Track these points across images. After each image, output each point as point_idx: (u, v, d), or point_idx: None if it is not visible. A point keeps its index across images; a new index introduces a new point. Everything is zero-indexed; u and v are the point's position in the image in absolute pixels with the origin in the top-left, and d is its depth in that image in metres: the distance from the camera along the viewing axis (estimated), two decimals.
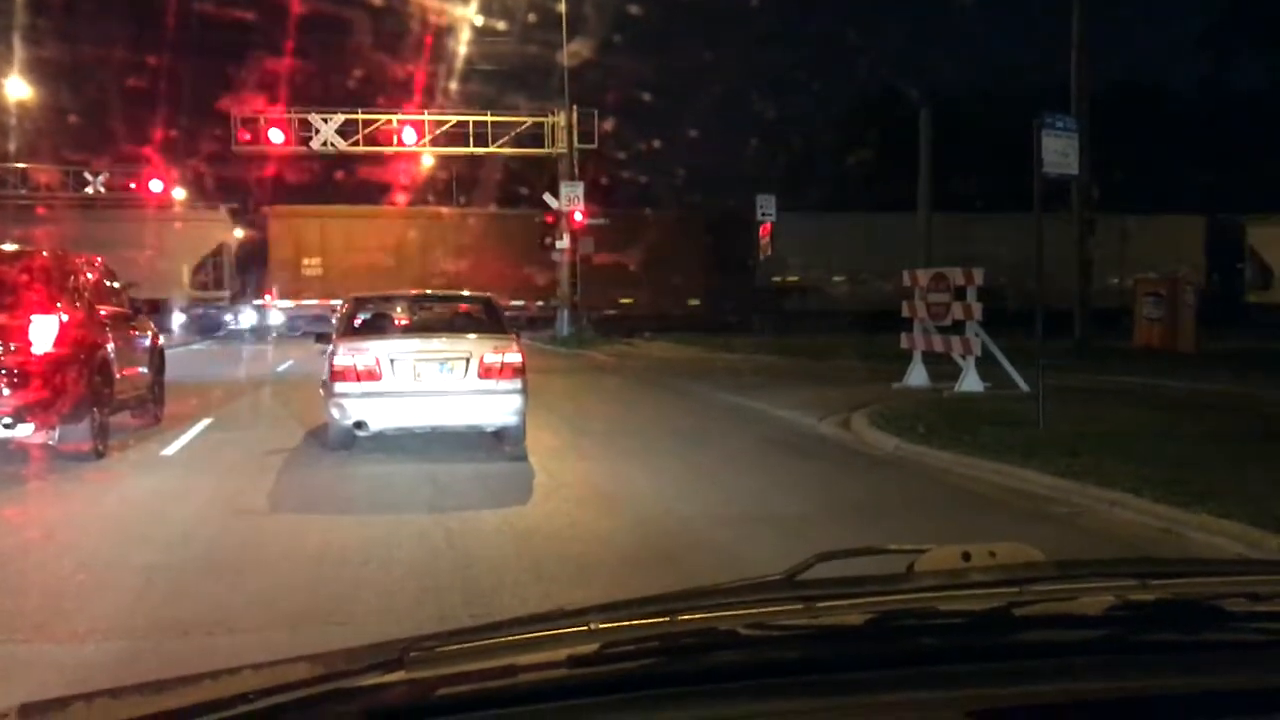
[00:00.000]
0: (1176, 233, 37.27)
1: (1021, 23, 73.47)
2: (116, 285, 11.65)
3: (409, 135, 31.46)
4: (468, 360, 9.45)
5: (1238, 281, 36.73)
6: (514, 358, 9.53)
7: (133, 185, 35.29)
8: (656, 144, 44.76)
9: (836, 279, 36.53)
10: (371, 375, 9.29)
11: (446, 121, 31.76)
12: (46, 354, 8.98)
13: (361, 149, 31.71)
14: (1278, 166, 37.43)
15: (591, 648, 1.27)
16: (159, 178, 34.89)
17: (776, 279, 35.93)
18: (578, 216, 29.84)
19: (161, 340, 13.06)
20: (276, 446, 10.32)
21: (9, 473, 8.83)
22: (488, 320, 10.52)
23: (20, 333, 8.94)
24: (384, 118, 31.51)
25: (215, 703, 1.25)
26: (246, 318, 37.83)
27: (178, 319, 32.75)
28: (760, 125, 52.39)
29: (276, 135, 30.71)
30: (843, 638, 1.37)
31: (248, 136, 30.71)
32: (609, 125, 33.18)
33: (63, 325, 9.21)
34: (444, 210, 39.17)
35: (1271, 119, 40.41)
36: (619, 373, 21.06)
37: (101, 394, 9.79)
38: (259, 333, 35.28)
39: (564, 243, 30.55)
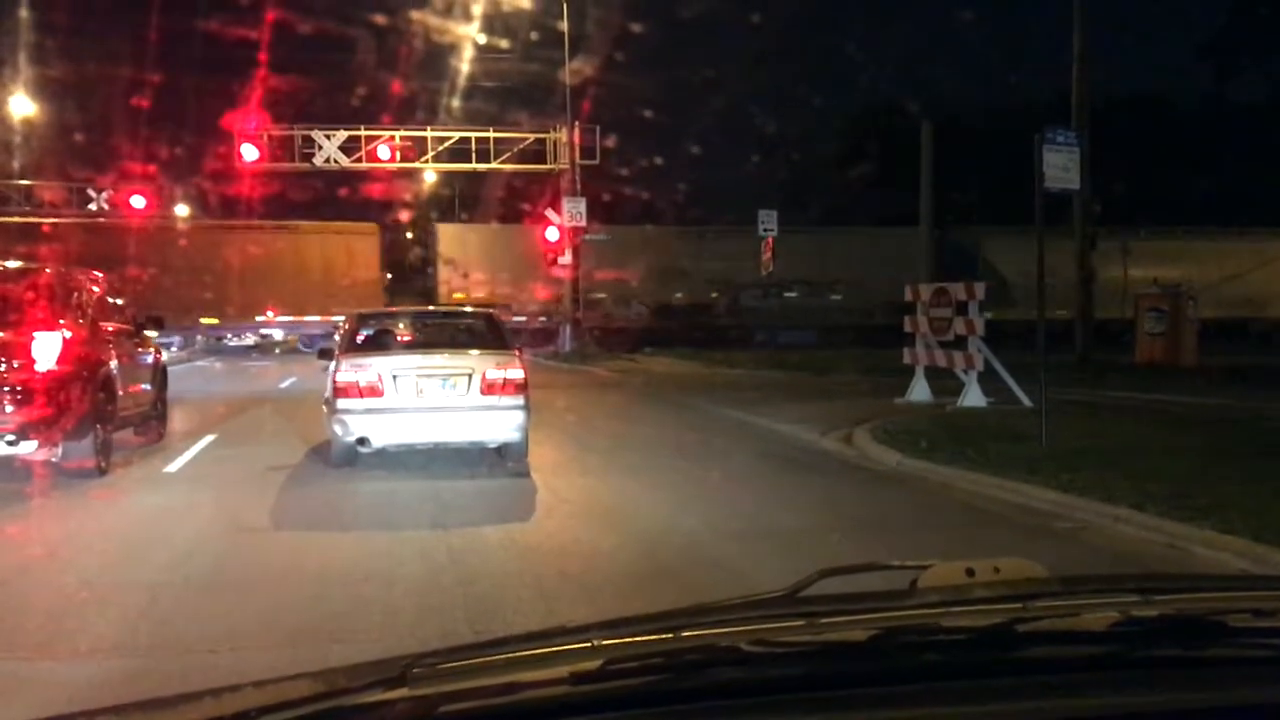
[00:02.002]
0: (905, 246, 37.13)
1: (1023, 37, 73.72)
2: (119, 301, 11.67)
3: (411, 152, 31.56)
4: (470, 376, 9.45)
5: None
6: (516, 373, 9.54)
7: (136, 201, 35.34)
8: (659, 160, 44.96)
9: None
10: (374, 391, 9.30)
11: (449, 138, 31.87)
12: (50, 371, 8.99)
13: (364, 165, 31.81)
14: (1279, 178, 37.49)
15: (594, 665, 1.27)
16: (161, 194, 34.97)
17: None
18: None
19: (164, 357, 13.07)
20: (279, 463, 10.32)
21: (12, 490, 8.82)
22: (490, 336, 10.53)
23: (24, 349, 8.95)
24: (386, 134, 31.61)
25: None
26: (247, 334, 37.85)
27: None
28: (762, 141, 52.52)
29: (279, 152, 30.82)
30: (846, 654, 1.37)
31: (251, 153, 30.82)
32: (611, 141, 33.31)
33: (66, 342, 9.22)
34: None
35: (1272, 131, 40.49)
36: (621, 388, 21.06)
37: (105, 411, 9.79)
38: (262, 349, 35.32)
39: (566, 258, 30.60)
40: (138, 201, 34.11)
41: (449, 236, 36.67)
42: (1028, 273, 33.04)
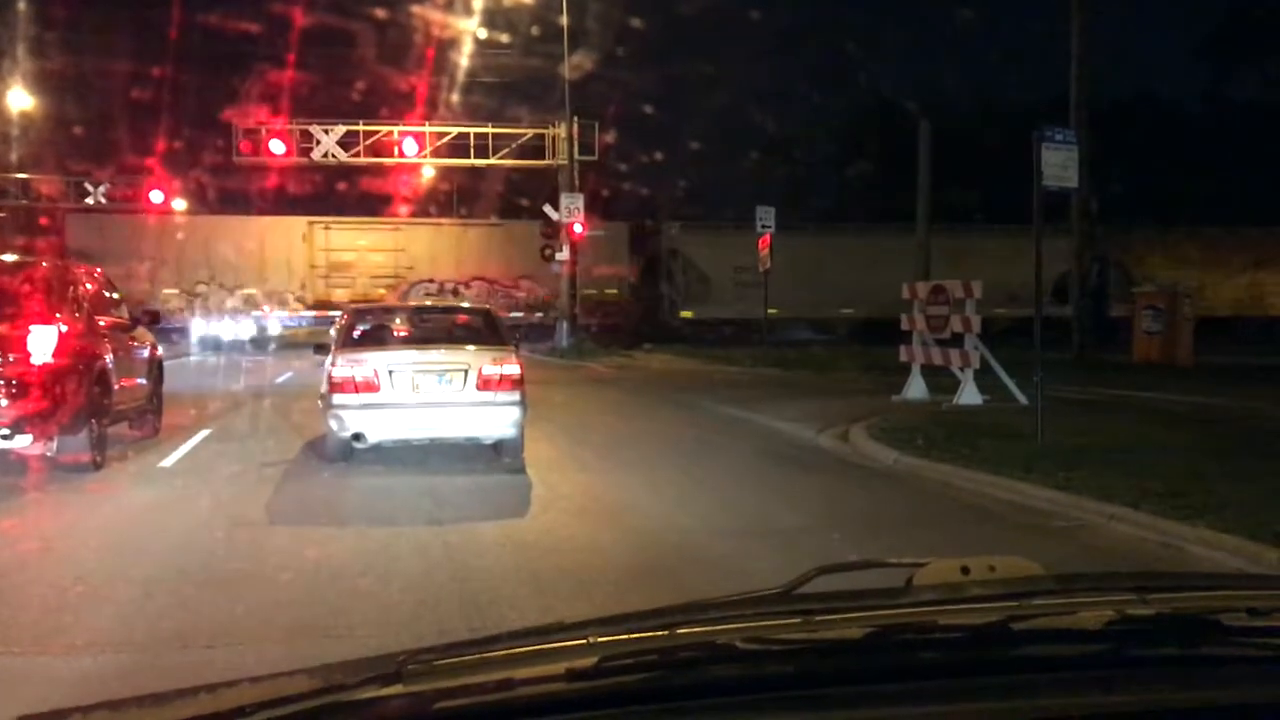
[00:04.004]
0: (613, 240, 36.79)
1: (1021, 36, 73.73)
2: (115, 295, 11.65)
3: (410, 146, 31.54)
4: (466, 372, 9.45)
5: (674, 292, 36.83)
6: (512, 369, 9.53)
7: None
8: (658, 156, 44.94)
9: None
10: (370, 387, 9.29)
11: (448, 133, 31.85)
12: (45, 364, 8.97)
13: (363, 160, 31.78)
14: (1276, 177, 37.51)
15: (590, 661, 1.27)
16: (160, 188, 34.91)
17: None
18: (577, 228, 29.89)
19: (160, 351, 13.05)
20: (275, 458, 10.32)
21: (7, 484, 8.80)
22: (486, 332, 10.53)
23: (19, 343, 8.94)
24: (385, 129, 31.59)
25: (213, 715, 1.25)
26: (245, 328, 37.76)
27: None
28: (761, 138, 52.50)
29: (278, 146, 30.79)
30: (842, 652, 1.37)
31: (249, 147, 30.79)
32: (610, 137, 33.30)
33: (62, 336, 9.20)
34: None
35: (1270, 130, 40.51)
36: (618, 385, 21.06)
37: (100, 405, 9.78)
38: (259, 344, 35.25)
39: (564, 254, 30.58)
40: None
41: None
42: (738, 267, 33.39)
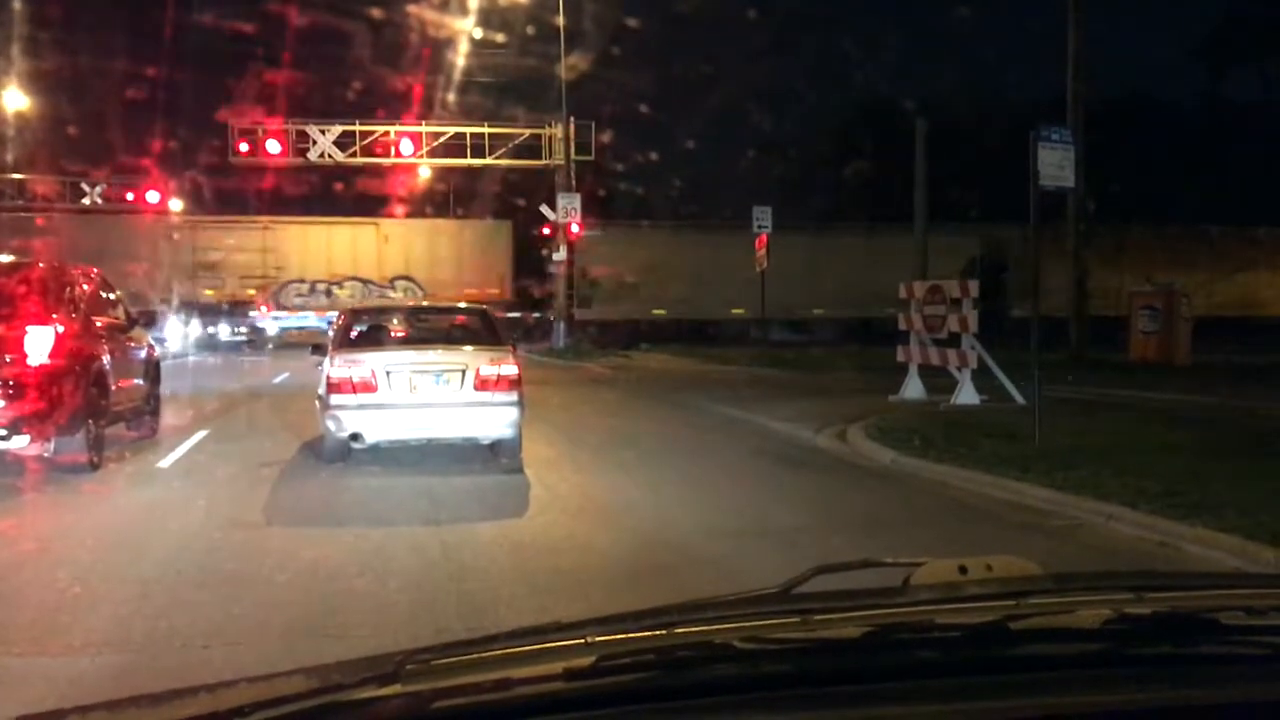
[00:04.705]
0: (490, 238, 36.66)
1: (1019, 36, 73.79)
2: (113, 296, 11.64)
3: (406, 147, 31.58)
4: (463, 372, 9.44)
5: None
6: (510, 370, 9.53)
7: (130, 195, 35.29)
8: (654, 156, 44.96)
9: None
10: (367, 387, 9.28)
11: (444, 133, 31.86)
12: (42, 365, 8.96)
13: (359, 160, 31.77)
14: (1273, 177, 37.54)
15: (587, 661, 1.27)
16: (156, 189, 34.88)
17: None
18: (574, 228, 29.91)
19: (158, 352, 13.03)
20: (272, 459, 10.31)
21: (4, 485, 8.79)
22: (484, 332, 10.52)
23: (16, 344, 8.92)
24: (382, 129, 31.60)
25: (210, 716, 1.25)
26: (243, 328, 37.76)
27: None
28: (757, 137, 52.55)
29: (274, 146, 30.78)
30: (839, 651, 1.37)
31: (246, 147, 30.78)
32: (606, 137, 33.32)
33: (59, 336, 9.19)
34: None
35: (1266, 131, 40.56)
36: (615, 385, 21.06)
37: (97, 405, 9.77)
38: (256, 344, 35.23)
39: (561, 254, 30.58)
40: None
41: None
42: (622, 269, 32.83)
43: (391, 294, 35.15)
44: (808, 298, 34.92)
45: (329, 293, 35.17)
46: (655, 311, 26.53)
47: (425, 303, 25.39)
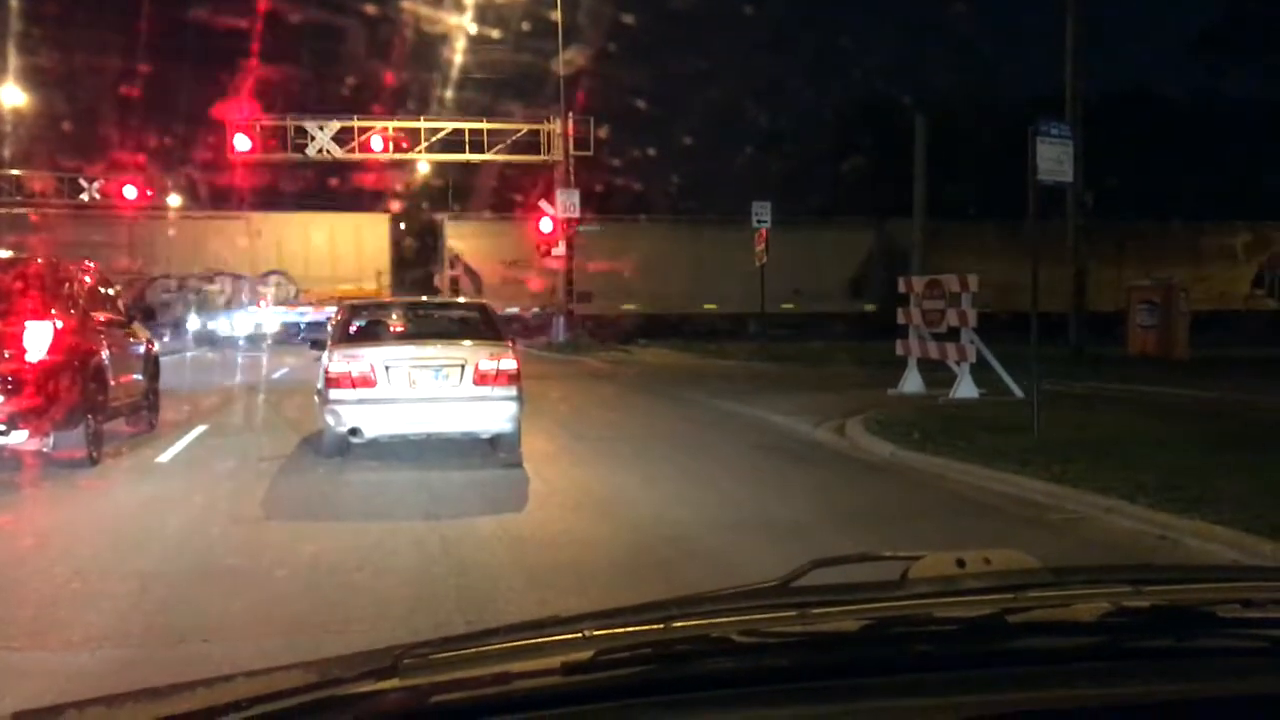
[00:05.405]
0: (366, 232, 35.68)
1: (1018, 31, 73.71)
2: (111, 291, 11.63)
3: (404, 142, 31.47)
4: (463, 367, 9.44)
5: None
6: (509, 364, 9.52)
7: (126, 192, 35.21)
8: (652, 151, 44.91)
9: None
10: (366, 382, 9.28)
11: (442, 129, 31.79)
12: (41, 361, 8.95)
13: (357, 156, 31.71)
14: (1271, 173, 37.55)
15: (586, 655, 1.27)
16: (152, 185, 34.82)
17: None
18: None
19: (156, 347, 13.03)
20: (271, 453, 10.31)
21: (3, 480, 8.80)
22: (483, 327, 10.52)
23: (14, 339, 8.92)
24: (379, 125, 31.53)
25: (209, 710, 1.25)
26: (242, 324, 37.66)
27: None
28: (756, 132, 52.51)
29: (271, 142, 30.71)
30: (837, 645, 1.37)
31: (242, 143, 30.71)
32: (604, 132, 33.26)
33: (57, 332, 9.18)
34: None
35: (1265, 126, 40.56)
36: (614, 379, 21.05)
37: (96, 401, 9.77)
38: (254, 340, 35.15)
39: (560, 249, 30.56)
40: (130, 192, 33.91)
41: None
42: (507, 262, 32.64)
43: (262, 289, 34.67)
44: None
45: (199, 291, 34.50)
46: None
47: (424, 298, 25.40)
